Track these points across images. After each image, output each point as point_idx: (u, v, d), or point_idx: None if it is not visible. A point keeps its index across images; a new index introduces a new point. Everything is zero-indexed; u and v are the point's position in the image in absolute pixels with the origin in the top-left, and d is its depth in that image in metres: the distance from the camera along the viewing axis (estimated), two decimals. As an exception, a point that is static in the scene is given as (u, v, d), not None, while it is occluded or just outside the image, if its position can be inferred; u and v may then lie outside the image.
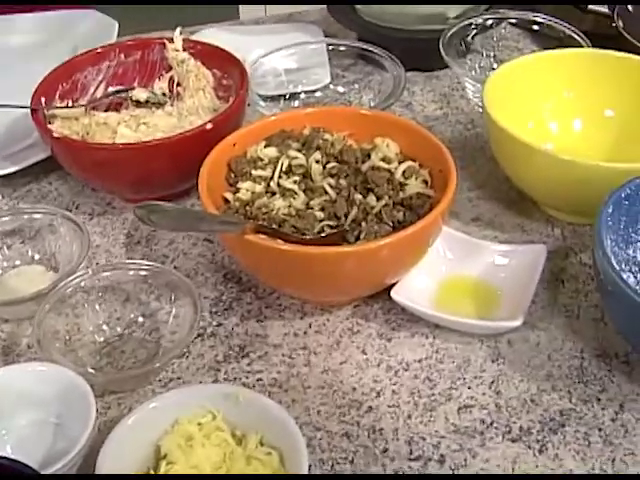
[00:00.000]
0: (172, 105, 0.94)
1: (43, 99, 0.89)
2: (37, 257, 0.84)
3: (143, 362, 0.75)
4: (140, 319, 0.78)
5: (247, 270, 0.80)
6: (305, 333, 0.78)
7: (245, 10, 2.47)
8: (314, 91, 1.02)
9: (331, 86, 1.04)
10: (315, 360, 0.74)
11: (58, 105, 0.91)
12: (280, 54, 1.03)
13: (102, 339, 0.77)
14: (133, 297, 0.79)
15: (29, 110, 0.87)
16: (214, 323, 0.78)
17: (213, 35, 1.07)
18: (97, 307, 0.78)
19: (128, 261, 0.82)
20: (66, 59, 0.96)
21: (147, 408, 0.65)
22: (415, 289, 0.77)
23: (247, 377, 0.73)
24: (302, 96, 1.01)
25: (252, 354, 0.76)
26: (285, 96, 1.00)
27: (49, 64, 0.93)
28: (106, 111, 0.93)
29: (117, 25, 1.11)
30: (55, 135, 0.84)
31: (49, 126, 0.86)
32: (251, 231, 0.70)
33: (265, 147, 0.81)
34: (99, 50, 0.96)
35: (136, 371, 0.73)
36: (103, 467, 0.60)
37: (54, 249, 0.83)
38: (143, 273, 0.78)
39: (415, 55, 1.05)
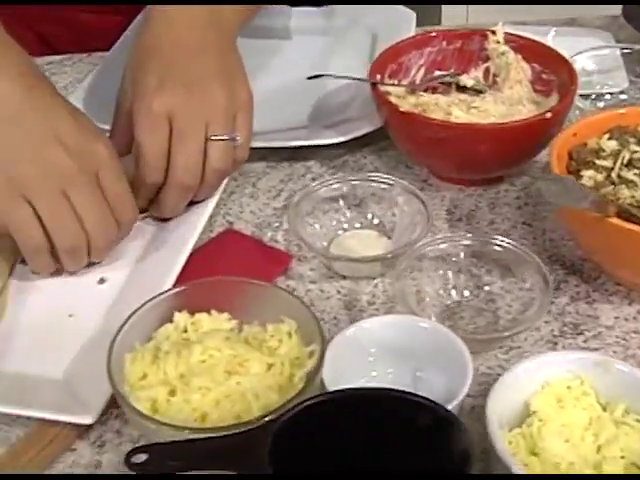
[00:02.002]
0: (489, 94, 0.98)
1: (378, 76, 0.94)
2: (373, 222, 0.89)
3: (484, 329, 0.79)
4: (474, 290, 0.82)
5: (588, 251, 0.83)
6: (634, 319, 0.80)
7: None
8: (619, 93, 1.04)
9: (630, 91, 1.06)
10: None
11: (388, 82, 0.96)
12: (584, 56, 1.06)
13: (442, 303, 0.81)
14: (464, 269, 0.83)
15: (359, 83, 0.95)
16: (546, 300, 0.81)
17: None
18: (433, 275, 0.82)
19: (461, 234, 0.86)
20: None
21: (519, 368, 0.68)
22: None
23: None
24: (607, 97, 1.04)
25: (586, 332, 0.79)
26: (591, 96, 1.03)
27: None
28: (425, 92, 0.98)
29: (415, 15, 1.16)
30: (401, 109, 0.89)
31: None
32: (614, 214, 0.74)
33: (608, 139, 0.84)
34: (424, 36, 1.00)
35: (483, 336, 0.77)
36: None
37: (389, 217, 0.88)
38: (475, 247, 0.82)
39: None
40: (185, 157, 0.81)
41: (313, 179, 0.97)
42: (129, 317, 0.69)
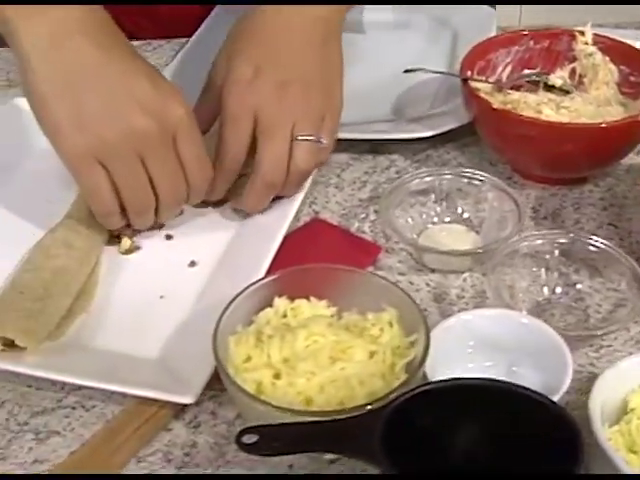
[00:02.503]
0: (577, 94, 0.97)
1: (469, 72, 0.94)
2: (463, 217, 0.89)
3: (574, 326, 0.79)
4: (564, 287, 0.82)
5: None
6: None
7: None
8: None
9: None
10: None
11: (477, 78, 0.96)
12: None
13: (533, 299, 0.81)
14: (554, 267, 0.83)
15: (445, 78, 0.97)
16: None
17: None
18: (523, 271, 0.82)
19: (550, 231, 0.86)
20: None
21: (620, 366, 0.68)
22: None
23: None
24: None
25: (678, 334, 0.79)
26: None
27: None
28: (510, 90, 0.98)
29: (495, 14, 1.16)
30: (494, 106, 0.89)
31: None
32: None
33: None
34: (512, 34, 1.00)
35: (574, 333, 0.77)
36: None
37: (478, 212, 0.88)
38: (565, 245, 0.83)
39: None
40: (271, 155, 0.81)
41: (397, 172, 0.97)
42: (232, 300, 0.70)
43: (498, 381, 0.63)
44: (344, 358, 0.67)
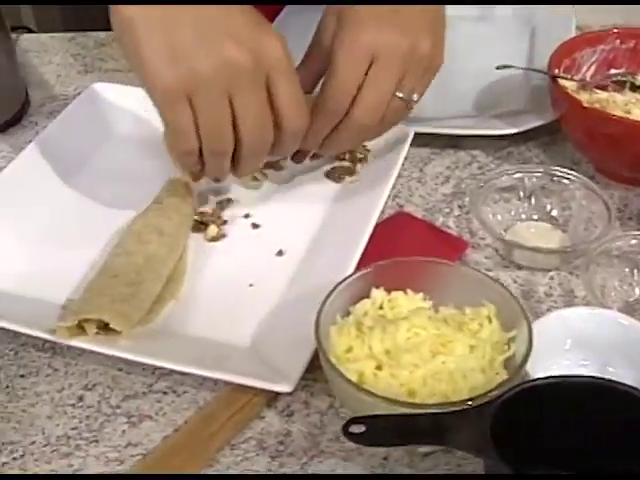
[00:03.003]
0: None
1: (556, 70, 0.94)
2: (551, 215, 0.89)
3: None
4: (654, 288, 0.81)
5: None
6: None
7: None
8: None
9: None
10: None
11: (564, 76, 0.95)
12: None
13: (623, 299, 0.80)
14: (641, 267, 0.83)
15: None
16: None
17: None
18: (612, 270, 0.82)
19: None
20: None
21: None
22: None
23: None
24: None
25: None
26: None
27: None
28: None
29: (574, 13, 1.16)
30: (585, 105, 0.88)
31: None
32: None
33: None
34: (598, 34, 1.00)
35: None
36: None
37: (564, 211, 0.88)
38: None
39: None
40: (375, 96, 0.79)
41: (479, 168, 0.97)
42: (332, 290, 0.70)
43: (605, 379, 0.62)
44: (445, 352, 0.67)
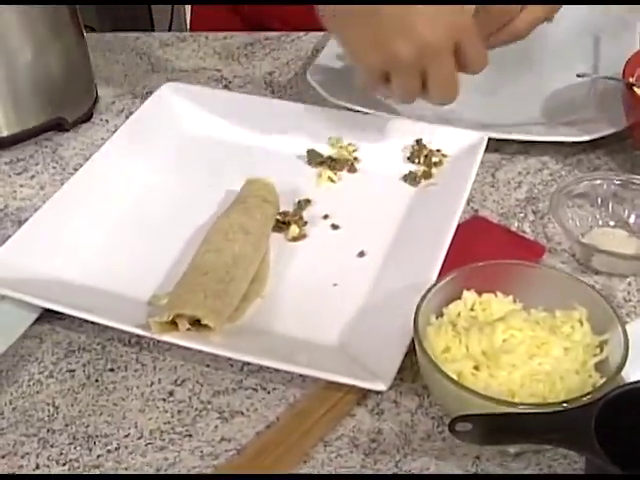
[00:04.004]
0: None
1: (631, 78, 0.95)
2: (628, 222, 0.90)
3: None
4: None
5: None
6: None
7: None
8: None
9: None
10: None
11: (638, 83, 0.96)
12: None
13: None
14: None
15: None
16: None
17: None
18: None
19: None
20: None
21: None
22: None
23: None
24: None
25: None
26: None
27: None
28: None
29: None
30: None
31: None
32: None
33: None
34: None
35: None
36: None
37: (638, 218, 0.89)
38: None
39: None
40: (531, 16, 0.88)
41: (550, 174, 0.98)
42: (427, 291, 0.71)
43: None
44: (540, 354, 0.68)
